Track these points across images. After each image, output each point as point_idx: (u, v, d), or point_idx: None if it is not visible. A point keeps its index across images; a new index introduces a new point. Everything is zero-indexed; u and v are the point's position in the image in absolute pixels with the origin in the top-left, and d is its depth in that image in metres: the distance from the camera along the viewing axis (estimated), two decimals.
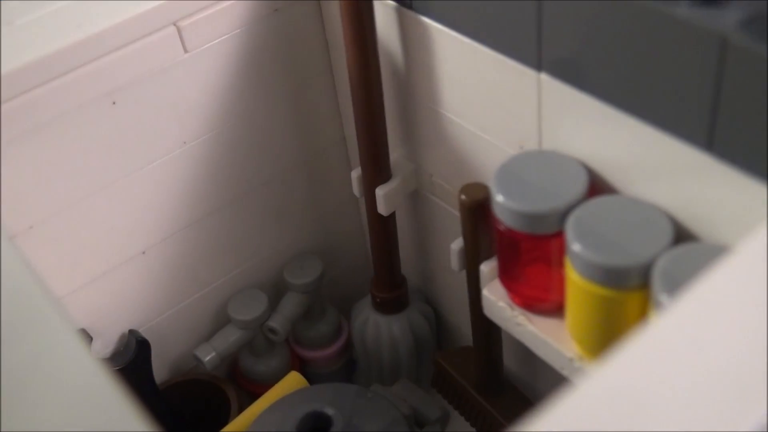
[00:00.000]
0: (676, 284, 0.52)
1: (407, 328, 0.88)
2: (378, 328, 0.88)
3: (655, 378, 0.36)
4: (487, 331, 0.77)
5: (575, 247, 0.56)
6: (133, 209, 0.77)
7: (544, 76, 0.59)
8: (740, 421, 0.34)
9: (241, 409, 0.85)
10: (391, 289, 0.86)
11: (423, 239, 0.87)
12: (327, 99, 0.86)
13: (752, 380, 0.35)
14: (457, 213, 0.79)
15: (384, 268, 0.85)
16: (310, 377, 0.95)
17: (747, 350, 0.36)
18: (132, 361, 0.80)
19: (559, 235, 0.59)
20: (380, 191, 0.78)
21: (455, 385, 0.84)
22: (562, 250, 0.60)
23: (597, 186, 0.60)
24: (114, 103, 0.71)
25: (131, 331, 0.82)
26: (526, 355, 0.80)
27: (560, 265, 0.61)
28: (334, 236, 0.96)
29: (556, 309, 0.65)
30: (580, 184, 0.59)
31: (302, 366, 0.95)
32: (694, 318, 0.38)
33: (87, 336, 0.78)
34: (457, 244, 0.72)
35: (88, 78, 0.68)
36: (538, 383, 0.83)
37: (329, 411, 0.65)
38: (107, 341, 0.81)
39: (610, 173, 0.59)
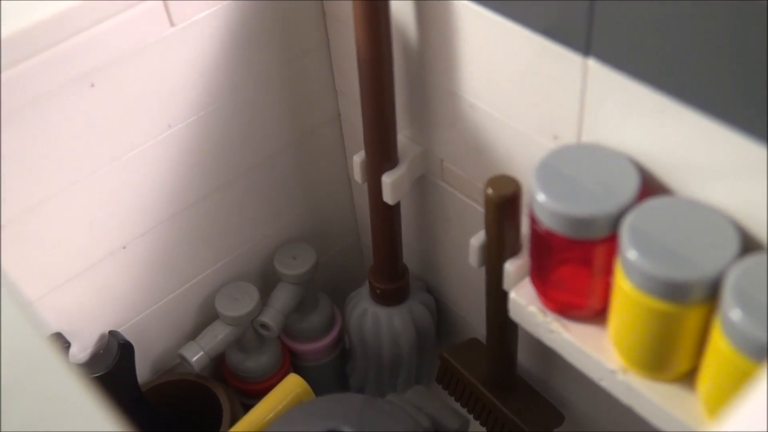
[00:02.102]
0: (750, 300, 0.47)
1: (409, 320, 0.82)
2: (378, 321, 0.82)
3: None
4: (503, 327, 0.71)
5: (631, 255, 0.50)
6: (113, 201, 0.69)
7: (592, 62, 0.53)
8: None
9: (232, 412, 0.79)
10: (393, 280, 0.80)
11: (428, 226, 0.81)
12: (321, 73, 0.78)
13: None
14: (470, 202, 0.73)
15: (385, 258, 0.79)
16: (302, 370, 0.89)
17: None
18: (114, 367, 0.73)
19: (608, 240, 0.53)
20: (387, 179, 0.71)
21: (463, 381, 0.78)
22: (609, 256, 0.54)
23: (648, 186, 0.54)
24: (92, 85, 0.62)
25: (112, 333, 0.74)
26: (541, 351, 0.75)
27: (605, 271, 0.55)
28: (324, 220, 0.89)
29: (593, 315, 0.59)
30: (632, 184, 0.53)
31: (293, 359, 0.89)
32: None
33: (64, 340, 0.71)
34: (477, 239, 0.66)
35: (62, 58, 0.60)
36: (552, 380, 0.78)
37: (346, 429, 0.59)
38: (86, 344, 0.74)
39: (663, 171, 0.53)
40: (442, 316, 0.88)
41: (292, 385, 0.73)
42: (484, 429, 0.78)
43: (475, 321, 0.83)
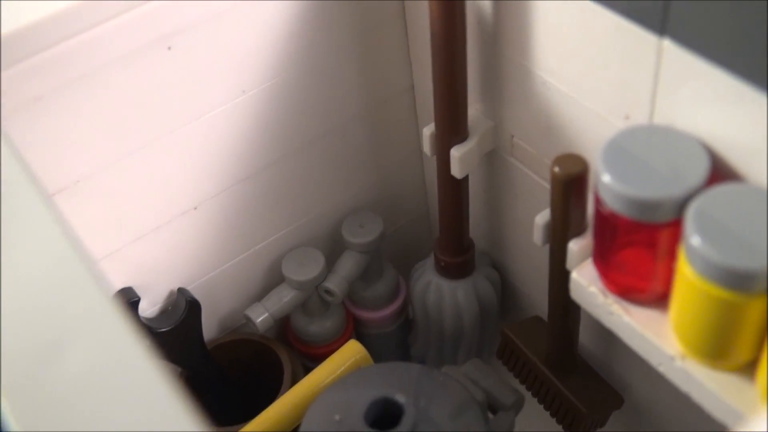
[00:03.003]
0: None
1: (472, 294, 0.82)
2: (441, 294, 0.82)
3: None
4: (565, 307, 0.71)
5: (695, 241, 0.49)
6: (186, 162, 0.71)
7: (668, 43, 0.52)
8: None
9: (293, 373, 0.80)
10: (458, 253, 0.80)
11: (496, 201, 0.80)
12: (397, 44, 0.78)
13: None
14: (539, 180, 0.72)
15: (451, 231, 0.79)
16: (364, 338, 0.90)
17: None
18: (181, 323, 0.75)
19: (673, 224, 0.52)
20: (456, 152, 0.71)
21: (523, 359, 0.78)
22: (673, 240, 0.53)
23: (719, 171, 0.53)
24: (169, 48, 0.64)
25: (181, 290, 0.77)
26: (603, 333, 0.74)
27: (669, 255, 0.54)
28: (394, 190, 0.89)
29: (654, 299, 0.58)
30: (702, 168, 0.52)
31: (356, 326, 0.90)
32: None
33: (134, 294, 0.73)
34: (542, 217, 0.65)
35: (141, 21, 0.61)
36: (613, 362, 0.77)
37: (400, 397, 0.60)
38: (155, 300, 0.76)
39: (735, 157, 0.52)
40: (506, 292, 0.88)
41: (351, 351, 0.74)
42: (539, 406, 0.78)
43: (538, 299, 0.83)
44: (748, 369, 0.54)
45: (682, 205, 0.51)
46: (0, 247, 0.41)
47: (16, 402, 0.37)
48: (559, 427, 0.77)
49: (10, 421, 0.36)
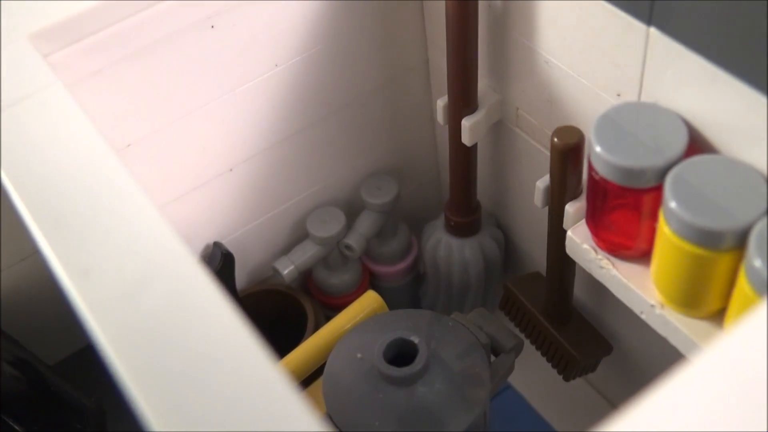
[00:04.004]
0: None
1: (478, 251, 0.90)
2: (450, 250, 0.91)
3: None
4: (562, 263, 0.79)
5: (672, 205, 0.57)
6: (223, 129, 0.79)
7: (654, 30, 0.59)
8: None
9: (316, 320, 0.89)
10: (466, 213, 0.88)
11: (502, 168, 0.88)
12: (414, 23, 0.86)
13: None
14: (540, 148, 0.80)
15: (461, 194, 0.87)
16: (379, 290, 0.98)
17: None
18: (217, 273, 0.83)
19: (655, 189, 0.60)
20: (466, 122, 0.79)
21: (523, 310, 0.87)
22: (656, 203, 0.61)
23: (697, 144, 0.60)
24: (212, 27, 0.72)
25: (216, 244, 0.85)
26: (595, 287, 0.83)
27: (651, 217, 0.62)
28: (408, 156, 0.97)
29: (639, 255, 0.66)
30: (681, 141, 0.60)
31: (372, 279, 0.98)
32: None
33: None
34: (542, 182, 0.73)
35: (189, 2, 0.69)
36: (605, 314, 0.85)
37: (414, 338, 0.68)
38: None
39: (711, 133, 0.60)
40: (509, 250, 0.96)
41: (369, 300, 0.82)
42: (537, 352, 0.86)
43: (538, 256, 0.91)
44: (718, 316, 0.62)
45: (663, 173, 0.59)
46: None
47: (107, 328, 0.45)
48: (554, 372, 0.85)
49: (102, 341, 0.45)
